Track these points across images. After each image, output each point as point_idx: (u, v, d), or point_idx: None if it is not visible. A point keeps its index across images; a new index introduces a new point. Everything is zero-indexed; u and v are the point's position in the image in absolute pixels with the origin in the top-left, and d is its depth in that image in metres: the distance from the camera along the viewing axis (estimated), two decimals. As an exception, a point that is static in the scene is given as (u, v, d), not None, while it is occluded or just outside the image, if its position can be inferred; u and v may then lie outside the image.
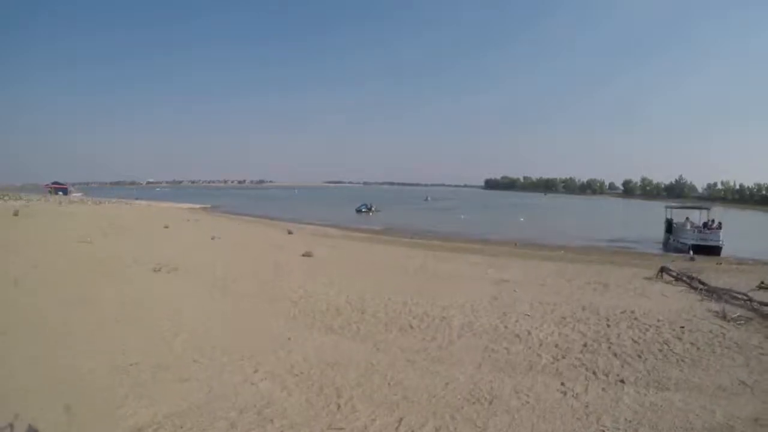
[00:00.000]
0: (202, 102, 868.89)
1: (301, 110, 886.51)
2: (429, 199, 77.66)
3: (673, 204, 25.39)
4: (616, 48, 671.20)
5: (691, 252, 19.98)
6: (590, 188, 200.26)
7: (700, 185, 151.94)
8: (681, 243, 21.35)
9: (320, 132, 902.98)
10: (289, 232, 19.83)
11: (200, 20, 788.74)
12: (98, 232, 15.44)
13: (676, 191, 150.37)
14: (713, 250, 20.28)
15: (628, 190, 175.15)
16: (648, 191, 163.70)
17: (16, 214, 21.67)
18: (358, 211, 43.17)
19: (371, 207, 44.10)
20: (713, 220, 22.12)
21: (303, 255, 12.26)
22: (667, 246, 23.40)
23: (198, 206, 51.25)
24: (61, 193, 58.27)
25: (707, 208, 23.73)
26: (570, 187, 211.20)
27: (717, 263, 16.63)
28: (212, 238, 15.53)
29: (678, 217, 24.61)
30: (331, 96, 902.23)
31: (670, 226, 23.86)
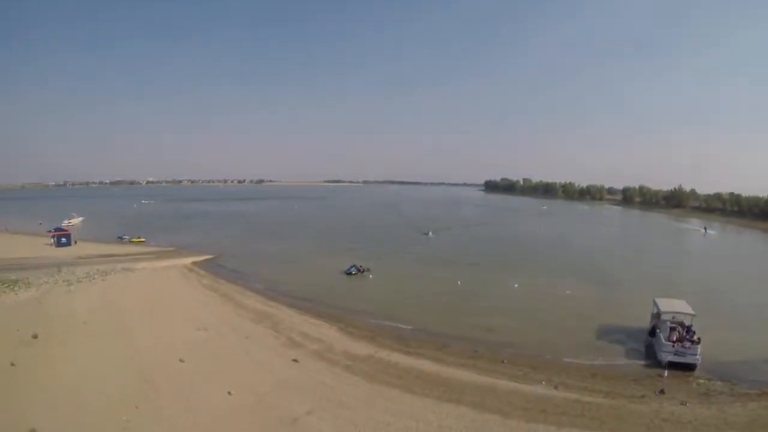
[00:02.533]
0: (203, 101, 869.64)
1: (301, 109, 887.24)
2: (431, 234, 75.59)
3: (662, 303, 26.95)
4: (618, 47, 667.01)
5: (666, 372, 21.69)
6: (589, 194, 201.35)
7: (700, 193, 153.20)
8: (660, 356, 23.00)
9: (320, 131, 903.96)
10: (295, 360, 21.55)
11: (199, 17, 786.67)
12: (123, 402, 16.17)
13: (675, 200, 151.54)
14: (689, 367, 22.13)
15: (627, 197, 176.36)
16: (647, 199, 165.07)
17: (35, 336, 22.40)
18: (348, 273, 43.50)
19: (361, 268, 44.26)
20: (694, 331, 23.70)
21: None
22: (648, 349, 25.12)
23: (202, 259, 53.02)
24: (64, 240, 59.88)
25: (693, 314, 25.22)
26: (569, 192, 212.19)
27: (681, 402, 18.44)
28: (228, 393, 17.32)
29: (664, 306, 26.17)
30: (331, 94, 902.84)
31: (654, 329, 25.43)
